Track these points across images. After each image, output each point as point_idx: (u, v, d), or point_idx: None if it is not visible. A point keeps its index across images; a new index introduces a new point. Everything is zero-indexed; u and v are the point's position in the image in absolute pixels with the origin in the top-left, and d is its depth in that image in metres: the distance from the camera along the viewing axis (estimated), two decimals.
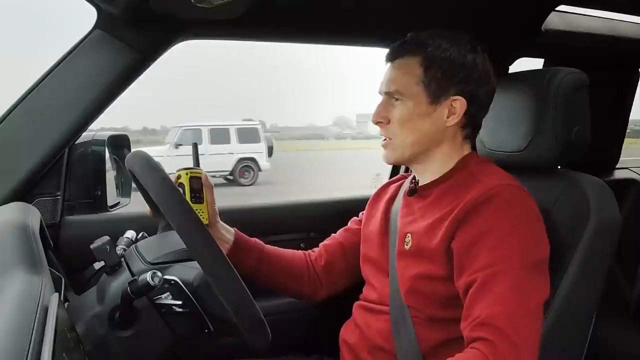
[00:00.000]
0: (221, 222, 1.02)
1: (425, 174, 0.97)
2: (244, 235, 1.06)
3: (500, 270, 0.79)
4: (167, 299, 0.80)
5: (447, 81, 0.90)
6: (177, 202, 0.72)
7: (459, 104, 0.90)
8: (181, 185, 0.94)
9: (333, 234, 1.16)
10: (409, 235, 0.94)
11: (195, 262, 0.80)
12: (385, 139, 0.95)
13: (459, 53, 0.90)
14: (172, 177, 0.91)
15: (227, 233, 1.03)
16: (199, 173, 0.96)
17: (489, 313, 0.76)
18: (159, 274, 0.77)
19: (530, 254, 0.81)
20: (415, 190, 0.98)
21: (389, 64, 0.96)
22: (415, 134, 0.92)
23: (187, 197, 0.92)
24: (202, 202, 0.95)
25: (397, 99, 0.92)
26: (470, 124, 0.95)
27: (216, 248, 0.71)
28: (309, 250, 1.15)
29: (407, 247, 0.93)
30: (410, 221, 0.95)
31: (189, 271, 0.84)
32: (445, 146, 0.94)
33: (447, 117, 0.91)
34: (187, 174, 0.95)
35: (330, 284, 1.11)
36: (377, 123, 0.95)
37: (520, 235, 0.81)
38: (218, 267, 0.70)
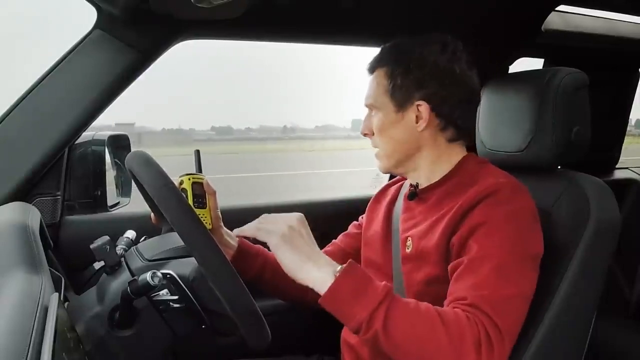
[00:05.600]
0: (225, 228, 1.02)
1: (420, 179, 0.98)
2: (248, 242, 1.06)
3: (488, 254, 0.79)
4: (165, 295, 0.80)
5: (408, 88, 0.92)
6: (170, 192, 0.72)
7: (423, 108, 0.91)
8: (184, 190, 0.94)
9: (334, 240, 1.15)
10: (409, 239, 0.94)
11: (192, 257, 0.80)
12: (375, 150, 0.99)
13: (421, 58, 0.91)
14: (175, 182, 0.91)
15: (231, 239, 1.03)
16: (201, 179, 0.97)
17: (475, 295, 0.75)
18: (159, 274, 0.77)
19: (521, 246, 0.81)
20: (415, 194, 0.98)
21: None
22: (391, 142, 0.95)
23: (190, 203, 0.92)
24: (204, 207, 0.96)
25: (372, 111, 0.97)
26: (452, 126, 0.93)
27: (208, 236, 0.71)
28: None
29: (408, 251, 0.93)
30: (412, 225, 0.96)
31: (185, 266, 0.84)
32: (427, 151, 0.95)
33: (417, 122, 0.92)
34: (189, 179, 0.95)
35: None
36: (364, 135, 0.99)
37: (514, 227, 0.81)
38: (210, 253, 0.70)
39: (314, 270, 0.75)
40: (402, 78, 0.92)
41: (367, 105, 0.98)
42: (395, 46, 0.96)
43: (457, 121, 0.93)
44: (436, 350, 0.71)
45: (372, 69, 0.98)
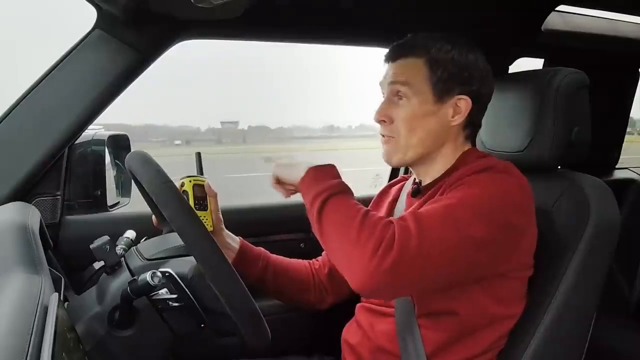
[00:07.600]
0: (226, 231, 1.02)
1: (427, 175, 0.97)
2: (249, 244, 1.06)
3: (444, 201, 0.79)
4: (164, 294, 0.80)
5: (452, 81, 0.89)
6: (168, 190, 0.72)
7: (464, 103, 0.90)
8: (185, 192, 0.94)
9: None
10: None
11: (191, 256, 0.80)
12: (386, 137, 0.93)
13: (460, 54, 0.90)
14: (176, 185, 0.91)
15: (233, 241, 1.03)
16: (202, 181, 0.97)
17: (409, 214, 0.76)
18: (159, 273, 0.76)
19: (486, 204, 0.78)
20: (418, 191, 0.98)
21: (389, 64, 0.94)
22: (420, 133, 0.90)
23: (191, 205, 0.92)
24: (206, 209, 0.96)
25: (400, 98, 0.91)
26: (472, 124, 0.94)
27: (207, 234, 0.71)
28: (313, 260, 1.15)
29: None
30: None
31: (184, 264, 0.84)
32: (447, 147, 0.93)
33: (452, 117, 0.91)
34: (190, 181, 0.96)
35: (336, 291, 1.11)
36: (380, 122, 0.93)
37: (489, 190, 0.80)
38: (209, 252, 0.70)
39: (297, 173, 0.86)
40: (447, 71, 0.89)
41: (394, 91, 0.92)
42: (430, 38, 0.91)
43: (479, 120, 0.95)
44: (348, 245, 0.73)
45: (405, 54, 0.92)
